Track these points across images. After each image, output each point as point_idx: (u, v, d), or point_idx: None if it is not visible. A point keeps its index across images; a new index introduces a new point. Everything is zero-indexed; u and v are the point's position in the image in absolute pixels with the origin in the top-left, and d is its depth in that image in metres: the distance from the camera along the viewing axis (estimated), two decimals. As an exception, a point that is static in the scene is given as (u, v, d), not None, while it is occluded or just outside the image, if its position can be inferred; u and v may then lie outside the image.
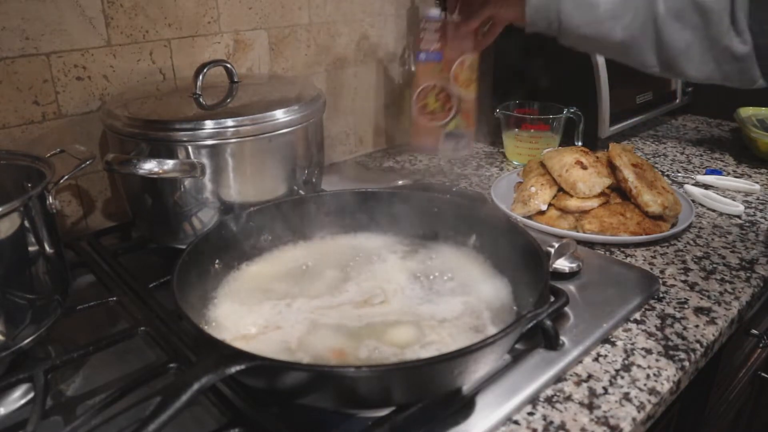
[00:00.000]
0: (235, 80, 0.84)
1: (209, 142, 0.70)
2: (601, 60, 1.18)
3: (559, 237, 0.82)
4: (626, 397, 0.57)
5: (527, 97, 1.23)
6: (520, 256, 0.62)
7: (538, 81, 1.30)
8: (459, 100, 1.03)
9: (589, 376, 0.59)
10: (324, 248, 0.73)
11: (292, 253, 0.72)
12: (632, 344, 0.64)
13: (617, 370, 0.60)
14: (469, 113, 1.06)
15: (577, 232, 0.86)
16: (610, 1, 0.77)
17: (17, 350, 0.57)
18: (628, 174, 0.88)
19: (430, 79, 1.02)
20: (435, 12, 1.01)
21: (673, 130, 1.42)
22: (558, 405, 0.56)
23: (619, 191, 0.91)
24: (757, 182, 1.07)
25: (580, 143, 1.21)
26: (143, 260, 0.81)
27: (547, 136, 1.16)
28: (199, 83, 0.78)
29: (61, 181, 0.65)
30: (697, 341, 0.65)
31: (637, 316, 0.69)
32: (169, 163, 0.69)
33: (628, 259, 0.82)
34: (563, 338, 0.63)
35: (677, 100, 1.46)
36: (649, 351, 0.63)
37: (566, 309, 0.67)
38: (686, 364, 0.61)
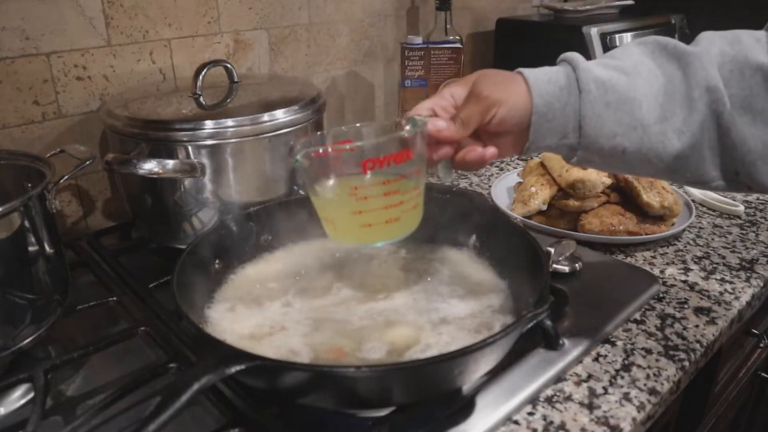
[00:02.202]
0: (235, 80, 0.84)
1: (209, 142, 0.70)
2: (600, 60, 1.17)
3: (559, 237, 0.82)
4: (626, 397, 0.57)
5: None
6: (520, 256, 0.62)
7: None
8: None
9: (589, 376, 0.59)
10: (325, 248, 0.73)
11: (292, 253, 0.72)
12: (632, 344, 0.64)
13: (617, 370, 0.60)
14: None
15: (577, 232, 0.86)
16: (652, 96, 0.54)
17: (17, 350, 0.57)
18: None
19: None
20: (416, 39, 1.02)
21: (673, 130, 1.42)
22: (558, 405, 0.56)
23: (619, 191, 0.91)
24: (757, 182, 1.07)
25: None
26: (143, 260, 0.81)
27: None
28: (199, 83, 0.78)
29: (61, 181, 0.65)
30: (697, 341, 0.65)
31: (637, 316, 0.69)
32: (169, 163, 0.69)
33: (628, 259, 0.82)
34: (563, 338, 0.63)
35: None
36: (649, 351, 0.63)
37: (566, 309, 0.67)
38: (686, 364, 0.61)
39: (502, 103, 0.54)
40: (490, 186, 1.03)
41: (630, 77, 0.54)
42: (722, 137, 0.54)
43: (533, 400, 0.56)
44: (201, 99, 0.78)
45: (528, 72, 0.55)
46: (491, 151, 0.56)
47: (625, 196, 0.90)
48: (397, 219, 0.55)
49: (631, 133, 0.54)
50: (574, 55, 0.56)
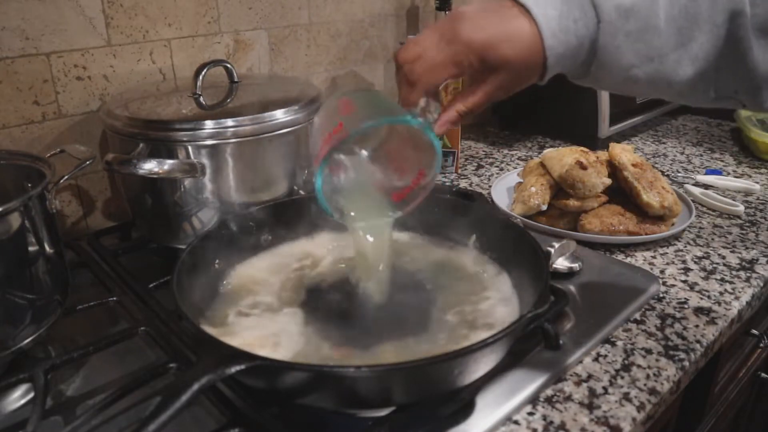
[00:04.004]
0: (235, 80, 0.84)
1: (209, 142, 0.70)
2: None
3: (559, 237, 0.82)
4: (626, 397, 0.57)
5: (525, 98, 1.23)
6: (520, 257, 0.62)
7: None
8: None
9: (589, 376, 0.59)
10: (325, 248, 0.73)
11: (292, 253, 0.72)
12: (632, 344, 0.64)
13: (617, 370, 0.60)
14: (454, 133, 1.09)
15: (577, 232, 0.86)
16: (672, 19, 0.50)
17: (17, 350, 0.57)
18: (628, 174, 0.88)
19: None
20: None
21: (673, 130, 1.42)
22: (558, 405, 0.56)
23: (619, 191, 0.91)
24: (757, 182, 1.07)
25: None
26: (143, 260, 0.81)
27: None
28: (199, 83, 0.78)
29: (61, 181, 0.65)
30: (697, 341, 0.65)
31: (637, 316, 0.69)
32: (169, 163, 0.69)
33: (628, 259, 0.82)
34: (563, 338, 0.63)
35: (677, 100, 1.45)
36: (649, 351, 0.63)
37: (566, 309, 0.67)
38: (686, 364, 0.61)
39: (516, 89, 0.54)
40: (490, 186, 1.03)
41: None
42: (736, 62, 0.51)
43: (533, 400, 0.56)
44: (201, 99, 0.78)
45: (543, 22, 0.50)
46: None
47: (625, 196, 0.90)
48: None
49: (647, 65, 0.51)
50: None
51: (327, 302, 0.63)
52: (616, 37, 0.50)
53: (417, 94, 0.54)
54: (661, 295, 0.73)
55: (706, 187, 1.06)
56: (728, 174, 1.12)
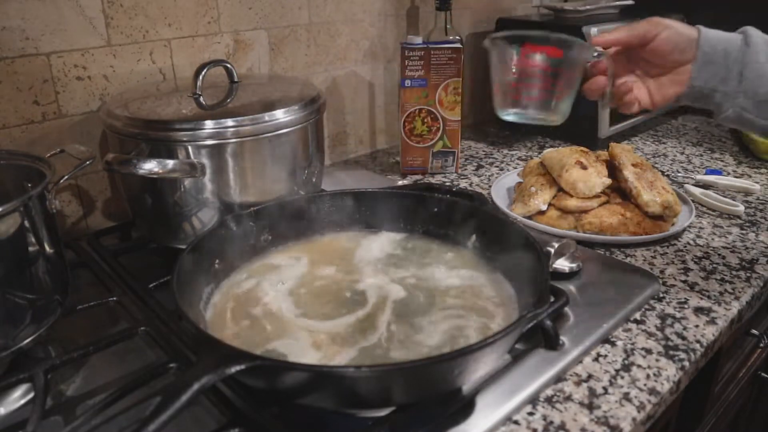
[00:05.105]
0: (235, 80, 0.84)
1: (209, 142, 0.70)
2: (601, 60, 1.17)
3: (559, 237, 0.82)
4: (626, 397, 0.57)
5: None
6: (520, 257, 0.62)
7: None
8: (445, 121, 1.06)
9: (589, 376, 0.59)
10: (324, 248, 0.73)
11: (292, 253, 0.72)
12: (632, 344, 0.64)
13: (617, 370, 0.60)
14: (454, 133, 1.09)
15: (577, 232, 0.86)
16: None
17: (17, 350, 0.57)
18: (628, 174, 0.88)
19: (416, 104, 1.05)
20: (416, 39, 1.03)
21: (673, 130, 1.42)
22: (558, 405, 0.56)
23: (619, 191, 0.91)
24: (757, 182, 1.07)
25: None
26: (143, 260, 0.81)
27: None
28: (199, 83, 0.78)
29: (61, 181, 0.65)
30: (697, 341, 0.65)
31: (637, 316, 0.69)
32: (169, 163, 0.69)
33: (628, 259, 0.82)
34: (563, 338, 0.63)
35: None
36: (649, 351, 0.63)
37: (566, 309, 0.67)
38: (686, 364, 0.61)
39: (668, 26, 0.65)
40: (490, 186, 1.03)
41: None
42: None
43: (533, 400, 0.56)
44: (201, 99, 0.78)
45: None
46: (642, 92, 0.69)
47: (625, 196, 0.90)
48: None
49: None
50: (746, 28, 0.65)
51: (325, 298, 0.63)
52: (759, 55, 0.61)
53: None
54: (661, 295, 0.73)
55: (706, 187, 1.06)
56: (728, 174, 1.12)
